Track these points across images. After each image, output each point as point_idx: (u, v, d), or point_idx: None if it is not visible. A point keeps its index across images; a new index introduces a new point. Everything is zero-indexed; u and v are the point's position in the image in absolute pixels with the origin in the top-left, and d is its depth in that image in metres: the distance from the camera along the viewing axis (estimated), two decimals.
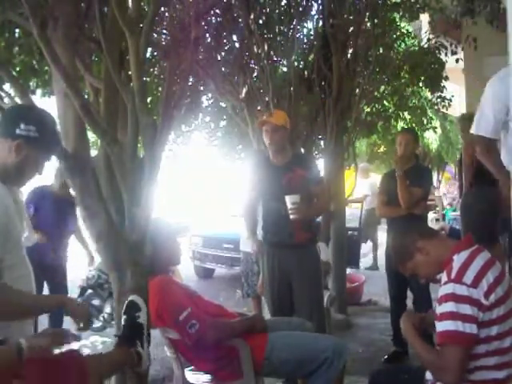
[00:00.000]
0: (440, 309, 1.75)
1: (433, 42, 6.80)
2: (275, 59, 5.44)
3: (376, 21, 5.55)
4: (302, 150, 5.51)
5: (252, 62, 5.25)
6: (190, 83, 2.30)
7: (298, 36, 5.44)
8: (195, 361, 2.45)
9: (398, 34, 6.81)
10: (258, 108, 5.38)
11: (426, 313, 2.19)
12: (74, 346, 1.57)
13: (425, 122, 8.49)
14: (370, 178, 8.98)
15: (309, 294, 3.09)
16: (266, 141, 3.18)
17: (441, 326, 1.73)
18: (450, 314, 1.70)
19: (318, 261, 3.20)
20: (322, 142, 6.21)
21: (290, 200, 3.00)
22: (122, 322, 1.97)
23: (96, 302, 4.50)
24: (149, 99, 5.03)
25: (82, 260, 4.61)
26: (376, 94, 6.47)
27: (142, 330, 1.93)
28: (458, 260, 1.79)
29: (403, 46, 7.22)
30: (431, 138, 14.12)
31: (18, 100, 2.23)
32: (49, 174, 4.29)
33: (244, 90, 5.17)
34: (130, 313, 1.96)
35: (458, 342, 1.68)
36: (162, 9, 2.61)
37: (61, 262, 4.24)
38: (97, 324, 4.52)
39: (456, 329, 1.68)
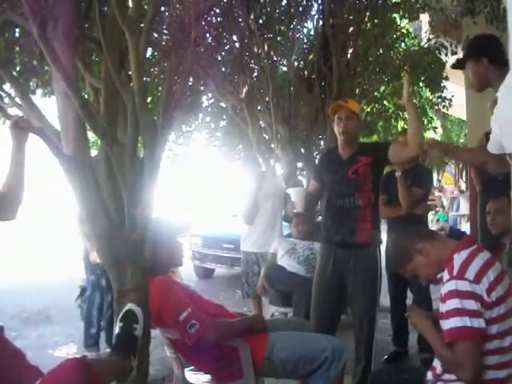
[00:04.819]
0: (445, 307, 1.75)
1: (433, 42, 6.81)
2: (275, 59, 5.45)
3: (376, 21, 5.56)
4: (302, 150, 5.52)
5: (252, 61, 5.26)
6: (190, 83, 2.30)
7: (298, 36, 5.46)
8: (195, 361, 2.45)
9: (398, 34, 6.82)
10: (258, 108, 5.40)
11: (431, 312, 2.19)
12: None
13: (425, 122, 8.50)
14: None
15: (362, 299, 2.90)
16: (338, 129, 2.93)
17: (448, 324, 1.72)
18: (456, 310, 1.69)
19: (376, 263, 2.93)
20: (321, 142, 6.21)
21: (294, 193, 2.87)
22: (117, 330, 1.93)
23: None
24: (149, 99, 5.03)
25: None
26: (376, 94, 6.48)
27: (136, 343, 1.89)
28: (458, 258, 1.80)
29: (403, 45, 7.23)
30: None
31: (18, 100, 2.23)
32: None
33: (244, 90, 5.18)
34: (127, 323, 1.90)
35: (468, 338, 1.67)
36: (162, 9, 2.62)
37: None
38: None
39: (464, 324, 1.67)
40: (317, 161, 3.57)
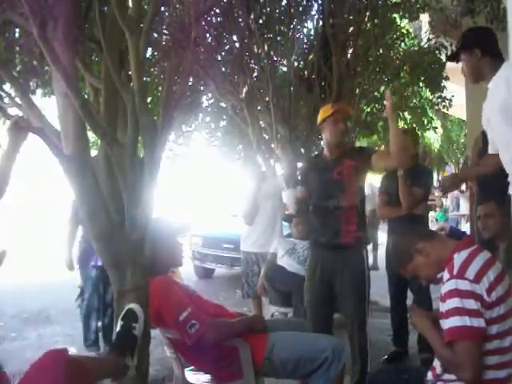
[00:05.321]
0: (445, 306, 1.75)
1: (433, 42, 6.80)
2: (275, 59, 5.45)
3: (376, 21, 5.56)
4: (302, 150, 5.52)
5: (252, 61, 5.25)
6: (190, 83, 2.30)
7: (298, 36, 5.46)
8: (195, 361, 2.45)
9: (398, 34, 6.81)
10: (258, 108, 5.39)
11: (432, 312, 2.19)
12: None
13: (425, 122, 8.49)
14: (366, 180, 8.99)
15: (351, 300, 2.93)
16: (334, 130, 3.00)
17: (448, 323, 1.72)
18: (456, 309, 1.69)
19: (363, 264, 2.98)
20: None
21: (285, 195, 2.95)
22: (117, 328, 1.95)
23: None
24: (149, 99, 5.03)
25: None
26: (376, 93, 6.48)
27: (135, 342, 1.91)
28: (458, 258, 1.80)
29: (403, 45, 7.22)
30: (432, 138, 14.13)
31: (18, 100, 2.23)
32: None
33: (244, 90, 5.18)
34: (127, 322, 1.93)
35: (467, 337, 1.67)
36: (162, 9, 2.62)
37: None
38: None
39: (464, 324, 1.67)
40: (302, 166, 3.65)
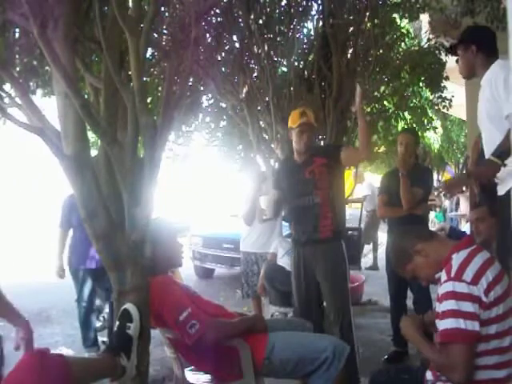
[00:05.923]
0: (441, 307, 1.75)
1: (433, 42, 6.80)
2: (275, 59, 5.44)
3: (376, 21, 5.55)
4: None
5: (252, 62, 5.25)
6: (190, 83, 2.30)
7: (298, 36, 5.45)
8: (195, 361, 2.45)
9: (398, 34, 6.80)
10: (258, 108, 5.39)
11: (427, 313, 2.19)
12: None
13: (425, 122, 8.48)
14: (365, 180, 9.02)
15: (333, 290, 3.04)
16: (301, 141, 3.14)
17: (442, 325, 1.73)
18: (452, 312, 1.70)
19: (343, 255, 3.09)
20: (321, 142, 6.20)
21: (263, 201, 2.99)
22: (114, 328, 1.97)
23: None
24: (149, 99, 5.02)
25: None
26: (376, 93, 6.47)
27: (130, 342, 1.92)
28: (457, 259, 1.80)
29: (403, 46, 7.21)
30: (432, 138, 14.10)
31: (18, 100, 2.23)
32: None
33: (244, 90, 5.17)
34: (122, 322, 1.95)
35: (460, 340, 1.68)
36: (162, 9, 2.62)
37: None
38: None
39: (458, 326, 1.68)
40: (273, 171, 3.75)
